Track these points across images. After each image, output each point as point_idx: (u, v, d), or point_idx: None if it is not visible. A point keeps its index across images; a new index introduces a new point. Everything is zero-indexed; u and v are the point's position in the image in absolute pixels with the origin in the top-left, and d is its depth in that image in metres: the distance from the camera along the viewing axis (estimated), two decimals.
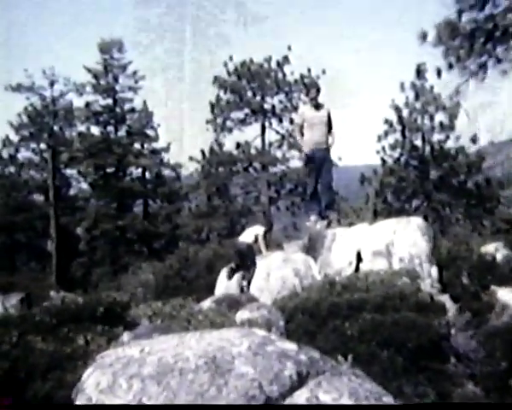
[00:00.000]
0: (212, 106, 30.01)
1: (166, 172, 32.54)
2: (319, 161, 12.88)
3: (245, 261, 12.46)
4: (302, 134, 12.84)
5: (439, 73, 20.84)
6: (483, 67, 18.98)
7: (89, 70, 31.20)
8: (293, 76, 30.31)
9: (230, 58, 30.07)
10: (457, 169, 25.68)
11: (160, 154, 32.19)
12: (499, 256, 11.91)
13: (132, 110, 31.99)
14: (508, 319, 8.70)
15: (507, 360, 7.55)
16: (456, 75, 19.54)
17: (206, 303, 9.41)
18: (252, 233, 12.71)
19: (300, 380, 3.49)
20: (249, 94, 30.28)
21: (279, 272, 11.01)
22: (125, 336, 6.53)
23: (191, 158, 30.10)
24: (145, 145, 32.17)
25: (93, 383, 3.28)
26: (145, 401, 3.11)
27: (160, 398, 3.14)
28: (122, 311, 7.75)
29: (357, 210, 27.08)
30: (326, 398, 3.28)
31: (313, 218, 12.75)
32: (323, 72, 29.84)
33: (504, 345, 7.67)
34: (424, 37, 18.88)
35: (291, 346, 3.86)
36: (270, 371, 3.44)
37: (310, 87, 13.73)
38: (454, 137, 25.90)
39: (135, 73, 31.74)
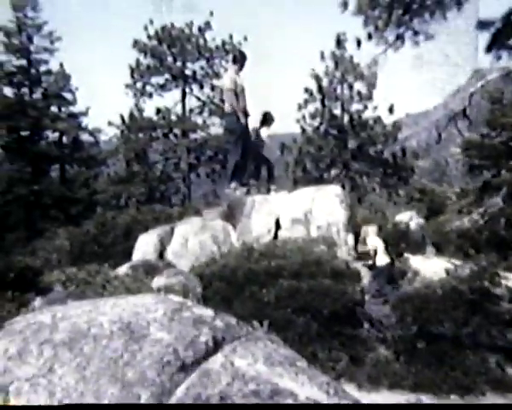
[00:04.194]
0: (132, 70, 29.43)
1: (85, 136, 31.70)
2: (246, 129, 12.91)
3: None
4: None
5: (358, 42, 21.12)
6: (400, 38, 19.38)
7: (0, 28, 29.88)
8: (215, 42, 30.07)
9: (151, 22, 29.53)
10: (374, 139, 26.16)
11: (78, 118, 31.32)
12: (413, 224, 12.26)
13: (48, 72, 30.86)
14: (418, 285, 8.99)
15: (416, 324, 7.81)
16: (375, 45, 19.90)
17: (123, 269, 9.28)
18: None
19: (216, 346, 3.48)
20: (170, 59, 29.83)
21: (197, 239, 10.96)
22: (37, 301, 6.37)
23: (110, 123, 29.50)
24: (62, 109, 31.18)
25: (0, 350, 3.18)
26: (56, 368, 3.04)
27: (73, 364, 3.08)
28: (34, 276, 7.54)
29: (276, 178, 27.23)
30: (241, 363, 3.29)
31: (233, 185, 12.74)
32: (245, 38, 29.71)
33: (414, 310, 7.92)
34: (345, 5, 19.09)
35: (207, 312, 3.85)
36: (185, 337, 3.42)
37: (237, 54, 13.57)
38: (372, 106, 26.35)
39: (51, 33, 30.60)
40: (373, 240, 10.59)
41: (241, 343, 3.57)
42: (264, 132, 13.36)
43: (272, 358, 3.45)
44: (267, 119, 13.53)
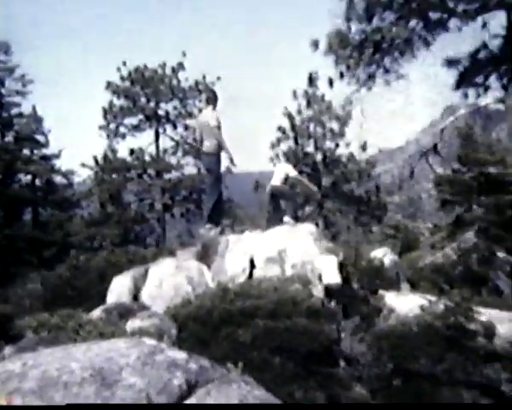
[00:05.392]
0: (105, 111, 29.49)
1: (58, 178, 31.54)
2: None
3: (279, 203, 12.85)
4: None
5: (331, 82, 21.35)
6: (372, 76, 19.69)
7: None
8: (188, 82, 30.29)
9: (124, 63, 29.69)
10: (348, 176, 26.39)
11: (50, 160, 31.19)
12: (387, 261, 12.30)
13: (20, 115, 30.81)
14: (394, 322, 9.00)
15: (393, 362, 7.80)
16: (347, 85, 20.24)
17: (97, 313, 9.17)
18: (281, 174, 13.02)
19: (189, 389, 3.46)
20: (143, 100, 29.98)
21: (172, 280, 10.89)
22: (7, 349, 6.24)
23: (84, 165, 29.43)
24: (35, 151, 31.06)
25: None
26: None
27: None
28: (5, 323, 7.41)
29: (251, 217, 27.31)
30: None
31: (208, 225, 12.73)
32: (218, 78, 29.98)
33: (390, 347, 7.92)
34: (316, 45, 19.39)
35: (181, 355, 3.83)
36: (158, 381, 3.40)
37: (211, 95, 13.55)
38: (344, 144, 26.66)
39: (23, 76, 30.58)
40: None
41: (214, 386, 3.56)
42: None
43: (247, 400, 3.43)
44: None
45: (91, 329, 6.84)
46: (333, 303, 9.60)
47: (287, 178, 13.15)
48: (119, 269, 12.55)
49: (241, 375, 4.23)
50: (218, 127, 12.50)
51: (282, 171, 13.36)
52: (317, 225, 16.43)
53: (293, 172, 13.38)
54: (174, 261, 11.67)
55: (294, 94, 26.80)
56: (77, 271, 13.86)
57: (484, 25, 18.54)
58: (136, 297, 11.00)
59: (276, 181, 13.15)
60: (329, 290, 9.93)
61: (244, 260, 11.21)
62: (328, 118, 26.49)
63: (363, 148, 26.59)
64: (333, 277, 10.01)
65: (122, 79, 29.64)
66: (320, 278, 10.32)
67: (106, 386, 3.24)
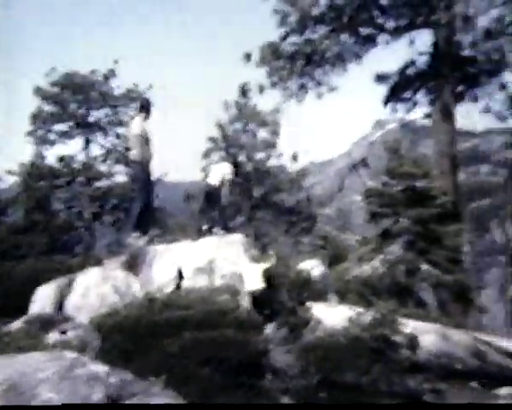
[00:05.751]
0: (33, 117, 28.80)
1: None
2: (149, 179, 12.88)
3: (212, 205, 12.65)
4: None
5: (261, 89, 21.52)
6: (303, 88, 20.02)
7: None
8: (120, 89, 29.94)
9: (53, 69, 29.08)
10: (279, 187, 26.57)
11: None
12: (315, 273, 12.39)
13: None
14: (321, 334, 9.04)
15: (320, 374, 7.83)
16: (279, 95, 20.53)
17: (17, 324, 8.89)
18: (218, 174, 12.79)
19: None
20: (73, 106, 29.42)
21: (98, 290, 10.67)
22: None
23: (10, 172, 28.62)
24: None
25: None
26: None
27: None
28: None
29: (182, 226, 27.14)
30: None
31: (135, 233, 12.57)
32: (150, 86, 29.74)
33: (318, 359, 7.94)
34: (248, 57, 19.58)
35: (102, 368, 3.73)
36: (76, 396, 3.28)
37: (144, 102, 13.46)
38: (276, 155, 26.85)
39: None
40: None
41: (137, 400, 3.47)
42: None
43: None
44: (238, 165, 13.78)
45: (9, 341, 6.62)
46: (260, 313, 9.61)
47: (223, 180, 13.12)
48: (44, 279, 12.20)
49: (164, 388, 4.15)
50: (142, 136, 12.42)
51: (219, 171, 13.31)
52: (247, 235, 16.43)
53: (228, 176, 13.33)
54: (101, 271, 11.45)
55: (226, 104, 26.85)
56: None
57: (411, 42, 19.16)
58: (60, 308, 10.72)
59: (213, 180, 13.09)
60: (257, 299, 9.93)
61: (172, 270, 11.10)
62: (257, 125, 26.63)
63: (295, 158, 26.85)
64: (256, 283, 10.03)
65: (52, 84, 29.03)
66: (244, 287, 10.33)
67: (21, 402, 3.12)
